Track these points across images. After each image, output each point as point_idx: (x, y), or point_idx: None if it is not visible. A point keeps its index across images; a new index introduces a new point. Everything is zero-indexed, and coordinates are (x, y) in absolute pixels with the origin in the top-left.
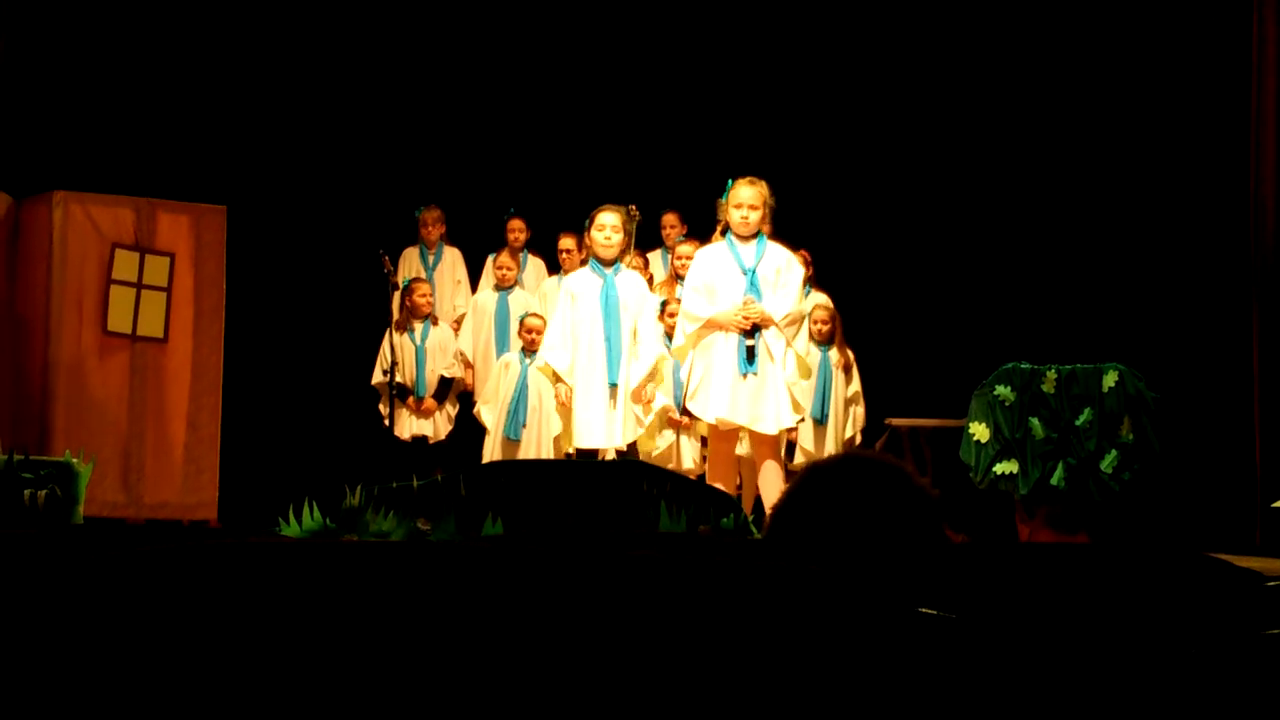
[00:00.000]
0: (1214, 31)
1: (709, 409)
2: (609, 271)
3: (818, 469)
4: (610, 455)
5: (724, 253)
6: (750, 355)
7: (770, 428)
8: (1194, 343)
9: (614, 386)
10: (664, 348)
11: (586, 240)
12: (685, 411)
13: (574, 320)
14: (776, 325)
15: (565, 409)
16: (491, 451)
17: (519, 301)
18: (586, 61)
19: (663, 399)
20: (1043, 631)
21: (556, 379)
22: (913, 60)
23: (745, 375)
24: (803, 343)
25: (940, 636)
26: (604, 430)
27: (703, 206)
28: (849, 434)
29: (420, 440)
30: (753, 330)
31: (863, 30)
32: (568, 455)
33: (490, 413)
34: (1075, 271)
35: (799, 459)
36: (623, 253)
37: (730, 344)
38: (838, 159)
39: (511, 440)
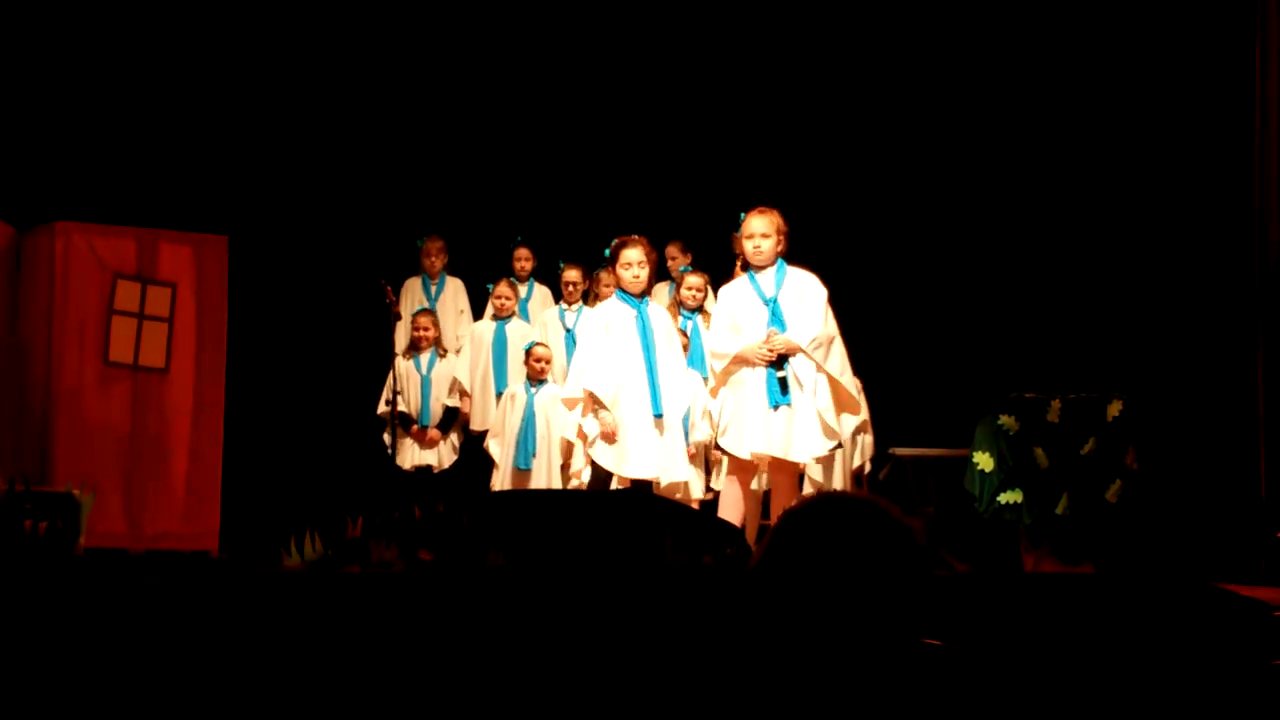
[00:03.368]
0: (1217, 64)
1: (743, 444)
2: (639, 303)
3: (792, 514)
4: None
5: (745, 286)
6: (783, 387)
7: (803, 456)
8: (1199, 372)
9: (658, 417)
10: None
11: (610, 276)
12: (718, 447)
13: (613, 351)
14: (804, 351)
15: (609, 438)
16: (501, 483)
17: (516, 331)
18: (589, 92)
19: (704, 432)
20: (1048, 662)
21: (597, 406)
22: (917, 92)
23: (777, 407)
24: (838, 364)
25: (942, 667)
26: (656, 461)
27: (707, 236)
28: (857, 463)
29: (424, 470)
30: (780, 361)
31: (866, 62)
32: (634, 484)
33: (499, 445)
34: (1079, 301)
35: (807, 488)
36: (650, 284)
37: (758, 377)
38: (842, 189)
39: (521, 470)
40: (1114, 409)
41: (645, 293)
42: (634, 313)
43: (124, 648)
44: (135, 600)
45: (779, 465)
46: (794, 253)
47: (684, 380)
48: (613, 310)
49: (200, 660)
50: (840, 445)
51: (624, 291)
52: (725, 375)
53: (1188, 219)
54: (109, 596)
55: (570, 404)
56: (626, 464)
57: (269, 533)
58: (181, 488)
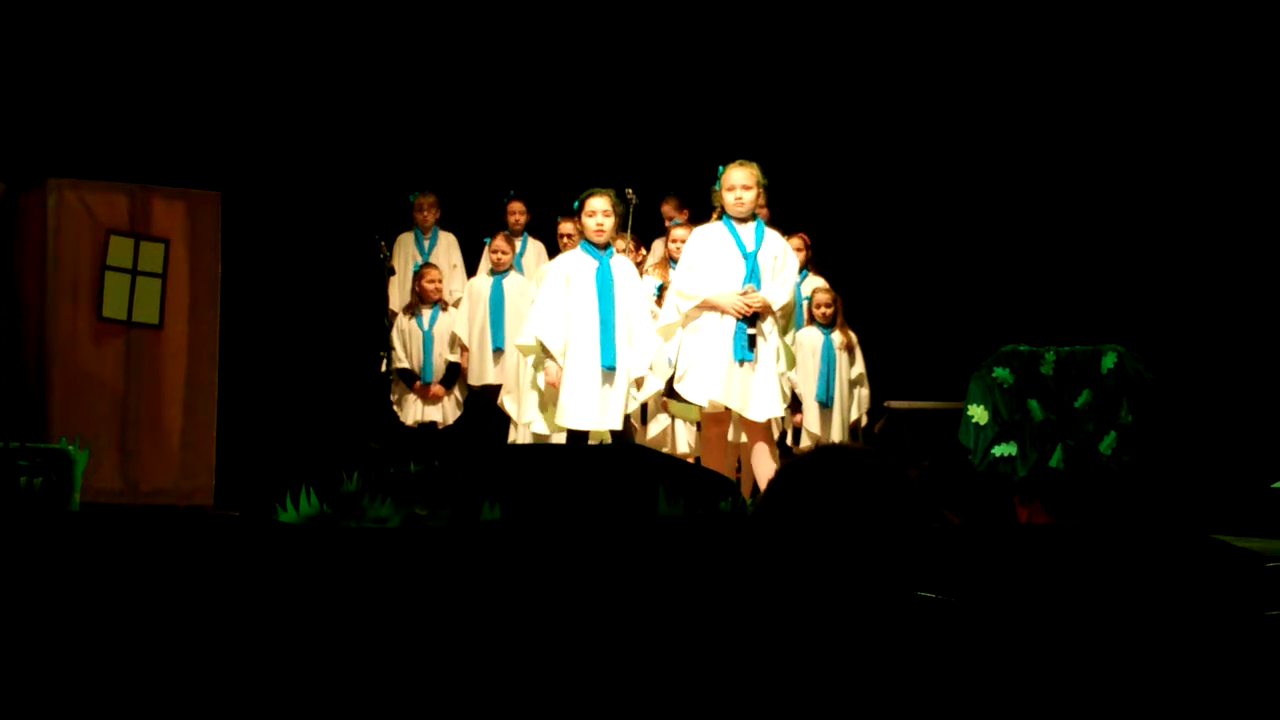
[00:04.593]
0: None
1: (700, 391)
2: (603, 254)
3: (790, 467)
4: (606, 438)
5: (722, 234)
6: (751, 343)
7: (758, 415)
8: (1193, 323)
9: (609, 369)
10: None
11: (577, 225)
12: (671, 393)
13: (569, 301)
14: (774, 315)
15: (554, 388)
16: (520, 440)
17: (514, 285)
18: (582, 45)
19: (658, 383)
20: (1041, 614)
21: (546, 355)
22: (907, 42)
23: (742, 362)
24: (791, 334)
25: (937, 619)
26: (597, 412)
27: (699, 189)
28: (854, 416)
29: (428, 426)
30: (753, 318)
31: (857, 12)
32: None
33: (514, 402)
34: (1072, 253)
35: (805, 442)
36: (614, 235)
37: (724, 327)
38: (835, 142)
39: None
40: (1109, 361)
41: (609, 243)
42: (595, 264)
43: (119, 604)
44: (130, 556)
45: (745, 420)
46: (787, 207)
47: (647, 334)
48: (575, 260)
49: (195, 616)
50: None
51: (588, 242)
52: (687, 319)
53: (1182, 165)
54: (104, 552)
55: (525, 350)
56: (564, 414)
57: (264, 488)
58: (176, 443)
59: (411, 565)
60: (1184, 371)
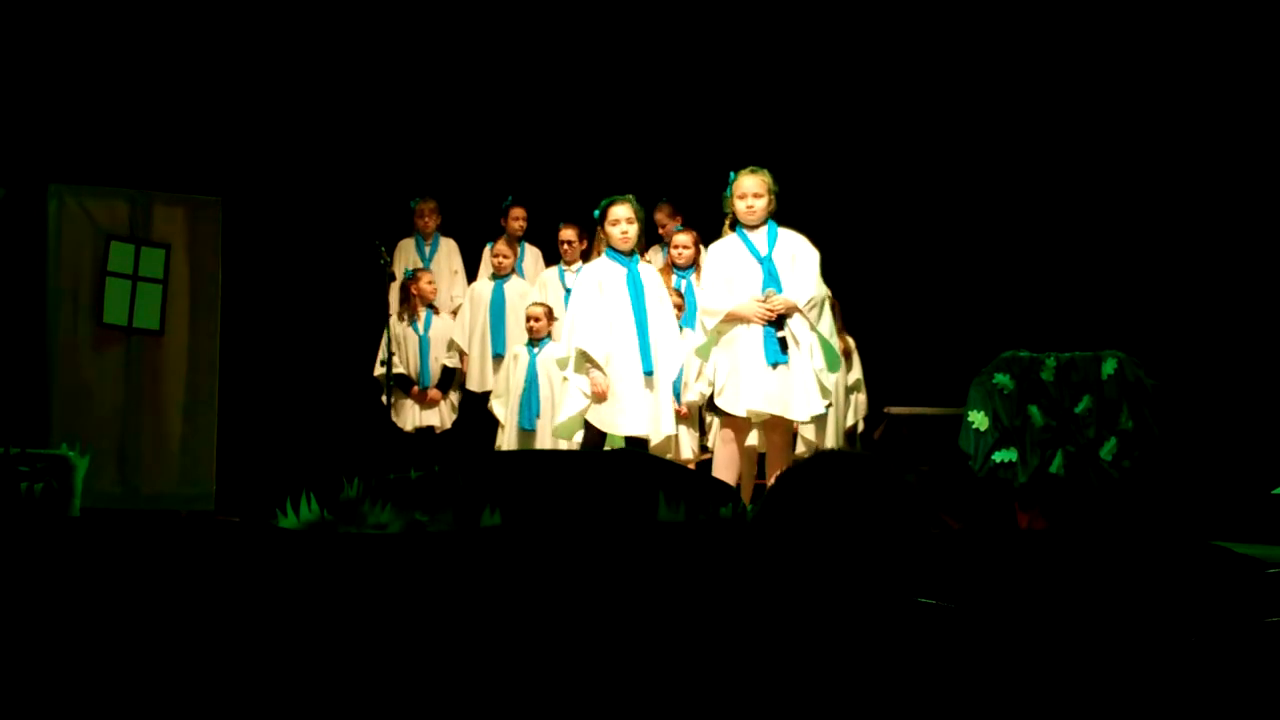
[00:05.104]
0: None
1: (740, 401)
2: (629, 261)
3: (790, 473)
4: (619, 442)
5: (736, 244)
6: (783, 346)
7: (802, 415)
8: (1193, 329)
9: (649, 375)
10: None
11: (601, 234)
12: (713, 407)
13: (605, 309)
14: (800, 312)
15: (601, 397)
16: (507, 444)
17: (515, 290)
18: (581, 52)
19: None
20: (1042, 620)
21: (589, 365)
22: (908, 49)
23: (775, 366)
24: (827, 326)
25: (937, 625)
26: (649, 420)
27: (700, 197)
28: (851, 422)
29: (426, 431)
30: (779, 321)
31: (857, 18)
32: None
33: (503, 406)
34: (1072, 259)
35: (800, 448)
36: (643, 244)
37: (754, 335)
38: (835, 148)
39: (526, 430)
40: (1109, 367)
41: (635, 250)
42: (625, 271)
43: (120, 610)
44: (131, 562)
45: (773, 424)
46: (788, 211)
47: (674, 339)
48: (604, 268)
49: (196, 622)
50: (831, 404)
51: (614, 250)
52: (718, 334)
53: (1181, 171)
54: (105, 558)
55: (561, 363)
56: (619, 422)
57: (264, 494)
58: (176, 449)
59: (412, 571)
60: (1184, 377)
